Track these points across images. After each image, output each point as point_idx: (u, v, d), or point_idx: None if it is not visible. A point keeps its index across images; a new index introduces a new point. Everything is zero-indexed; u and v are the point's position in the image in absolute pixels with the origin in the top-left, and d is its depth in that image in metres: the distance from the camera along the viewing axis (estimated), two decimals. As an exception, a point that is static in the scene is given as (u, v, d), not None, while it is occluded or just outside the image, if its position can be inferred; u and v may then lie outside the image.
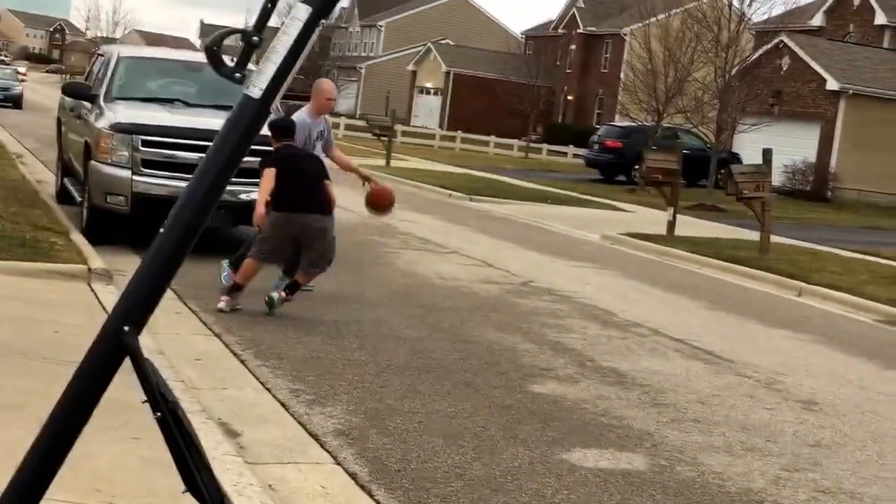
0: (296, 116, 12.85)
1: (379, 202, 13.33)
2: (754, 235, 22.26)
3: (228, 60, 2.21)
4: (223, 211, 14.16)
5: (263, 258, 11.94)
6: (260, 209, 12.02)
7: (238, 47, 2.22)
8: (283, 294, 11.69)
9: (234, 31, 2.31)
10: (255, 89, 2.08)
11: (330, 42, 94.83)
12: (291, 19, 2.08)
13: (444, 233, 21.19)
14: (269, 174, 11.95)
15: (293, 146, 12.27)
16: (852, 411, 10.05)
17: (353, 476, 6.83)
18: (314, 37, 2.12)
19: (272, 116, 9.45)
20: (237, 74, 2.20)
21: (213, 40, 2.21)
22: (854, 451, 8.65)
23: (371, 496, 6.54)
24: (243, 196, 14.38)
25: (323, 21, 2.09)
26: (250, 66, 2.23)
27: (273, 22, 2.20)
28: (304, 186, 11.91)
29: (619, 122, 50.90)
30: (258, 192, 12.08)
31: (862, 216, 38.50)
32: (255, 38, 2.16)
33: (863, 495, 7.53)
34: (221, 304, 11.55)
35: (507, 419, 8.40)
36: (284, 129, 12.22)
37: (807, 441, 8.79)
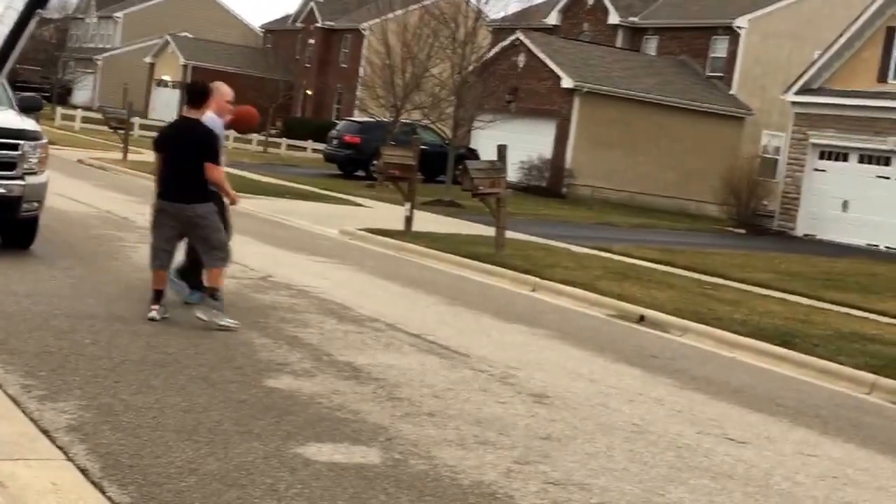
0: (210, 121, 12.10)
1: (243, 123, 12.97)
2: (491, 231, 22.59)
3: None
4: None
5: (151, 265, 11.70)
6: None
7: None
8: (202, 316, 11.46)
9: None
10: (-28, 80, 2.02)
11: (67, 33, 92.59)
12: (7, 9, 2.03)
13: (182, 227, 20.90)
14: (156, 160, 11.78)
15: (178, 124, 11.94)
16: (583, 404, 10.28)
17: (84, 472, 6.67)
18: (31, 26, 2.06)
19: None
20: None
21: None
22: (584, 444, 8.84)
23: (103, 492, 6.40)
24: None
25: (41, 10, 2.05)
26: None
27: None
28: (171, 171, 11.53)
29: (358, 117, 51.06)
30: None
31: (595, 212, 39.46)
32: (-28, 28, 2.10)
33: (591, 486, 7.70)
34: (152, 314, 11.44)
35: (242, 414, 8.33)
36: (191, 93, 11.88)
37: (538, 434, 8.95)
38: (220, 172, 11.71)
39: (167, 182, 11.55)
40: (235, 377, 9.49)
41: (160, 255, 11.65)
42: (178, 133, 11.78)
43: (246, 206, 27.49)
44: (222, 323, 11.38)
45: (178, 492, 6.50)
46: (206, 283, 11.75)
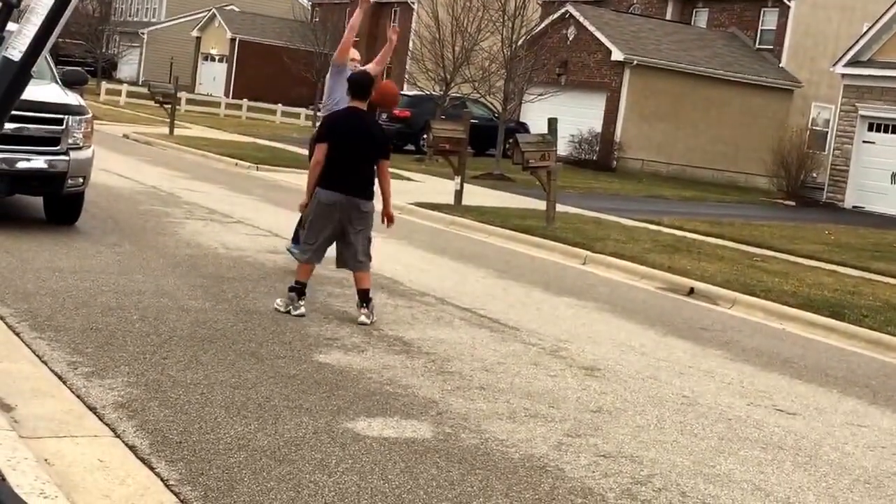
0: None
1: (385, 99, 12.99)
2: (541, 204, 22.55)
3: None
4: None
5: (306, 258, 11.44)
6: (305, 192, 11.64)
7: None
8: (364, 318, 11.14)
9: (-9, -8, 2.18)
10: (14, 52, 1.98)
11: (111, 6, 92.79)
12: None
13: (230, 202, 20.96)
14: (320, 150, 11.25)
15: (350, 114, 11.39)
16: (633, 377, 10.25)
17: (132, 448, 6.67)
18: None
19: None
20: (-7, 37, 2.08)
21: (-37, 1, 2.09)
22: (634, 416, 8.82)
23: (151, 469, 6.39)
24: (20, 165, 14.00)
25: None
26: (10, 27, 2.12)
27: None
28: (346, 163, 11.18)
29: (408, 90, 50.99)
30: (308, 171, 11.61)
31: (645, 185, 39.36)
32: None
33: (642, 458, 7.68)
34: (278, 302, 11.32)
35: (292, 389, 8.32)
36: (356, 84, 11.41)
37: (589, 407, 8.93)
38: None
39: (339, 173, 11.19)
40: (284, 352, 9.49)
41: (318, 250, 11.46)
42: (356, 125, 11.34)
43: (293, 180, 27.57)
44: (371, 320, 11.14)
45: (228, 468, 6.50)
46: (359, 286, 11.33)
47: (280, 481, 6.38)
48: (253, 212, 19.68)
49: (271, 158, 33.02)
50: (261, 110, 63.72)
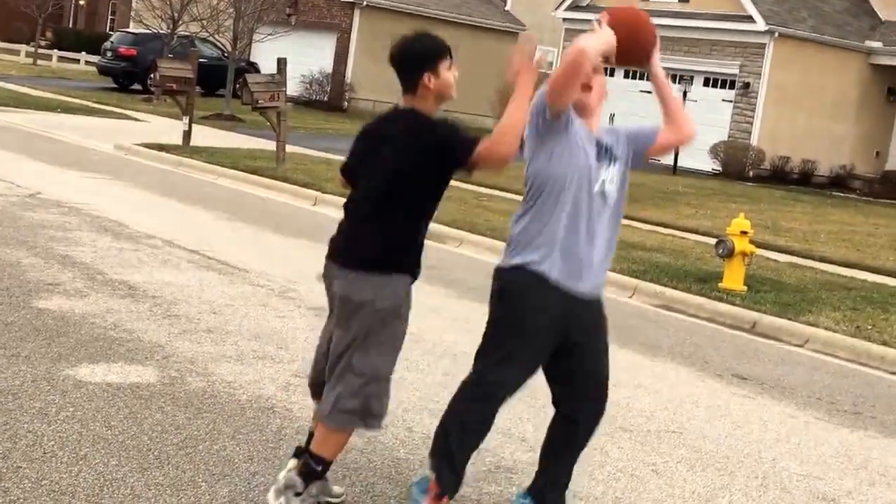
0: None
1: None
2: (271, 145, 22.43)
3: None
4: None
5: None
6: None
7: None
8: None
9: None
10: None
11: None
12: None
13: (-53, 143, 20.19)
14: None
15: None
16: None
17: None
18: None
19: None
20: None
21: None
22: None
23: None
24: None
25: None
26: None
27: None
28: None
29: (134, 29, 49.89)
30: None
31: (375, 126, 39.53)
32: None
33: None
34: None
35: (9, 337, 8.05)
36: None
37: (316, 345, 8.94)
38: None
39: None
40: (1, 299, 9.19)
41: None
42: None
43: (12, 120, 26.68)
44: None
45: (-62, 422, 6.28)
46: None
47: (-4, 432, 6.19)
48: (-30, 154, 19.01)
49: (-10, 98, 31.90)
50: (-24, 47, 61.36)
